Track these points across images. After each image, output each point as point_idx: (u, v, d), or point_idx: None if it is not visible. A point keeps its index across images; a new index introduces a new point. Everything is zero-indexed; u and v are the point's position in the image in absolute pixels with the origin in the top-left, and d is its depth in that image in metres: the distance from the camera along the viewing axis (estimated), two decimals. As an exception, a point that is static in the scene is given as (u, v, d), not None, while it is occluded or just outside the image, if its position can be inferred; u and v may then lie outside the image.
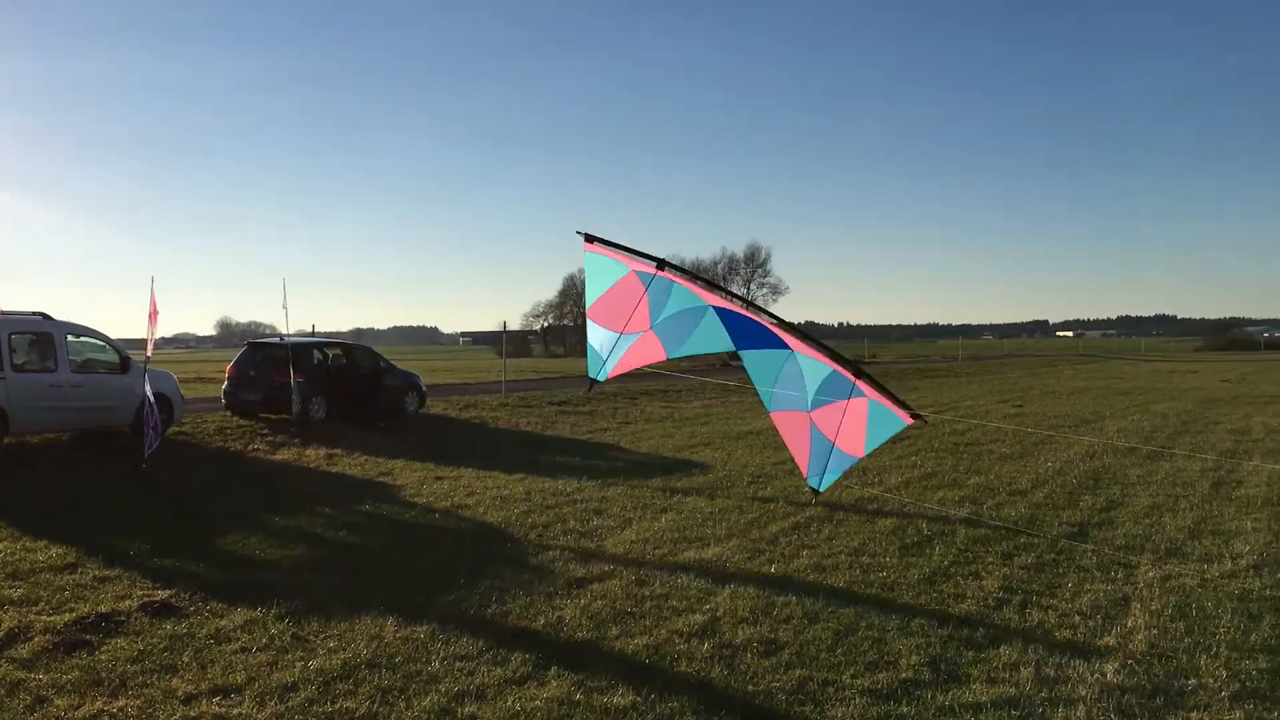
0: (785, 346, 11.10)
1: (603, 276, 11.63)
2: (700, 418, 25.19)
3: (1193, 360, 74.30)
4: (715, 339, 11.30)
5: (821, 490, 11.77)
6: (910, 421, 11.26)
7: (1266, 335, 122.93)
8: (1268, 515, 11.50)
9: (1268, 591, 8.27)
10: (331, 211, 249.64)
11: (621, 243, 11.69)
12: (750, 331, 11.26)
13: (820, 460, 11.59)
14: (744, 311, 11.17)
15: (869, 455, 11.98)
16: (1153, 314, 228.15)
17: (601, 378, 11.97)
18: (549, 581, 8.69)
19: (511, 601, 8.05)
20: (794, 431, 11.58)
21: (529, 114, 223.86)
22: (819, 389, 11.17)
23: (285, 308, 26.53)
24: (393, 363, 23.46)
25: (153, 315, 15.07)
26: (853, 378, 10.97)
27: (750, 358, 11.41)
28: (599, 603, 8.01)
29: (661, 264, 11.13)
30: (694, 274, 11.16)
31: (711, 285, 11.17)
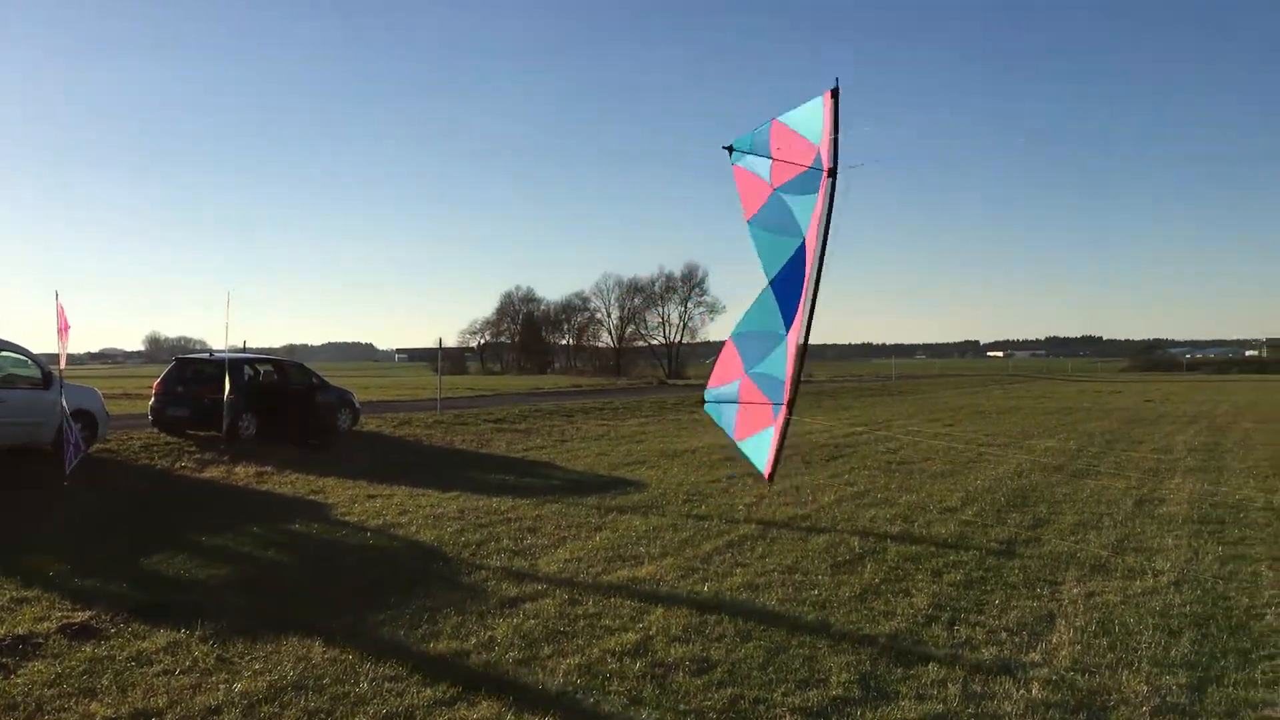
0: (786, 329, 10.97)
1: (809, 125, 11.02)
2: (636, 435, 25.19)
3: (1118, 380, 76.11)
4: (774, 259, 10.93)
5: (705, 405, 11.92)
6: (765, 476, 11.50)
7: (1189, 356, 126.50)
8: (1188, 532, 11.78)
9: (1187, 608, 8.46)
10: (265, 226, 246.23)
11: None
12: (790, 287, 11.02)
13: (722, 396, 11.71)
14: (808, 274, 10.89)
15: (733, 443, 12.10)
16: (1080, 335, 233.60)
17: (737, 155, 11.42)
18: (481, 601, 8.61)
19: (443, 621, 7.96)
20: (728, 366, 11.56)
21: (467, 131, 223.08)
22: (763, 376, 11.15)
23: (227, 323, 25.85)
24: (326, 379, 23.18)
25: (63, 330, 14.77)
26: (785, 403, 11.03)
27: (765, 298, 11.16)
28: (531, 622, 7.95)
29: (833, 173, 10.65)
30: (829, 214, 10.64)
31: (825, 232, 10.73)
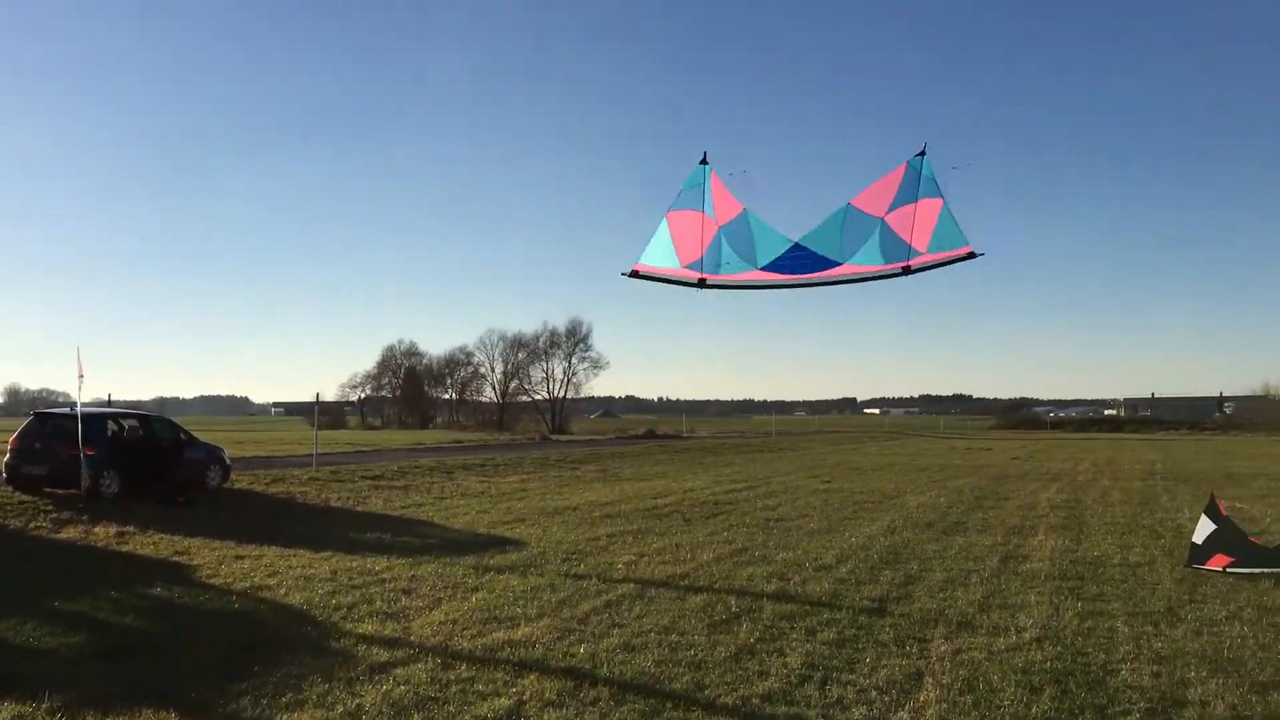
0: (762, 266, 10.61)
1: (943, 235, 10.37)
2: (517, 492, 24.99)
3: (987, 438, 78.59)
4: (823, 243, 10.49)
5: (703, 164, 11.13)
6: (635, 266, 11.19)
7: (1052, 415, 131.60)
8: (1050, 589, 12.17)
9: (1048, 664, 8.72)
10: (134, 275, 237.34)
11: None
12: (799, 263, 10.60)
13: (706, 192, 11.06)
14: (807, 277, 10.60)
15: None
16: (951, 393, 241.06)
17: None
18: (350, 666, 8.38)
19: (308, 689, 7.71)
20: (727, 203, 11.00)
21: (348, 182, 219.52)
22: (721, 248, 10.68)
23: (80, 376, 24.80)
24: (194, 434, 22.45)
25: None
26: (700, 278, 10.84)
27: (783, 242, 10.71)
28: (401, 688, 7.77)
29: (907, 271, 10.36)
30: (854, 280, 10.61)
31: (836, 282, 10.66)
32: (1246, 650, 9.18)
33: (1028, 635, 9.75)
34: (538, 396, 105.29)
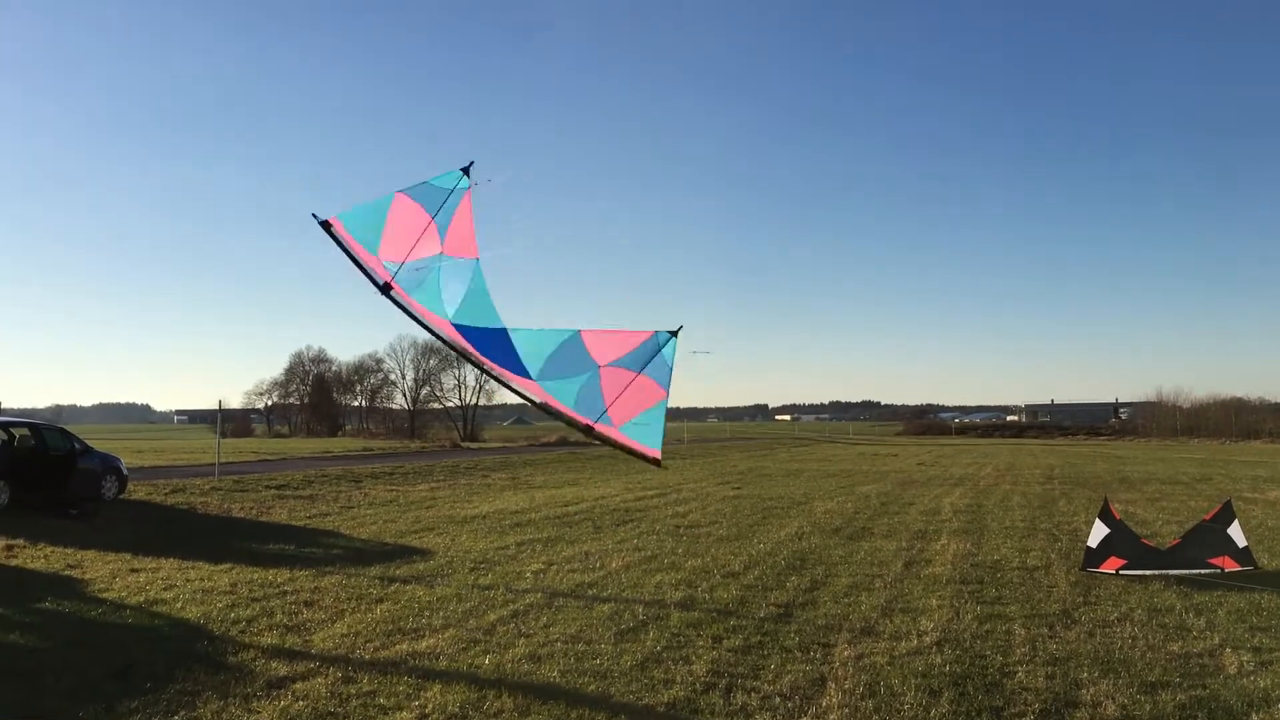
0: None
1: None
2: (426, 501, 24.70)
3: (894, 444, 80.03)
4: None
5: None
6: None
7: (957, 420, 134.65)
8: (951, 593, 12.42)
9: (947, 667, 8.89)
10: (25, 277, 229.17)
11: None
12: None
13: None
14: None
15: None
16: (860, 400, 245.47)
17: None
18: (247, 682, 8.17)
19: (203, 706, 7.51)
20: (466, 234, 10.06)
21: (248, 182, 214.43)
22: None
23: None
24: (89, 444, 21.73)
25: None
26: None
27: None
28: (300, 704, 7.60)
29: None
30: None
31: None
32: (1136, 651, 9.47)
33: (928, 639, 9.93)
34: (449, 404, 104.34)
